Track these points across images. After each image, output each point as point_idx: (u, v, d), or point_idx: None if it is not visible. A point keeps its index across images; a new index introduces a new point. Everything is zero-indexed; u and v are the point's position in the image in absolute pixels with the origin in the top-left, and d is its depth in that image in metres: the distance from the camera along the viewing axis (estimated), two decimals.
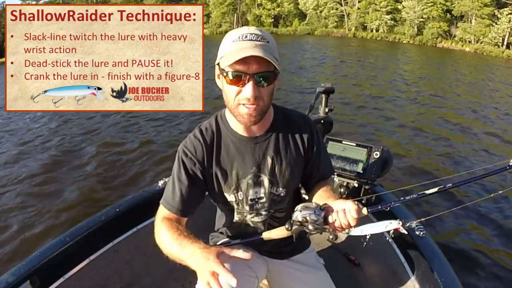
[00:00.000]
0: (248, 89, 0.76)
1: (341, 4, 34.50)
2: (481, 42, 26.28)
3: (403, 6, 30.49)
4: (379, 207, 0.83)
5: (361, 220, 0.80)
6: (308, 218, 0.77)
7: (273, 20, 36.08)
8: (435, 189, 0.82)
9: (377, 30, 31.94)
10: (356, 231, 0.81)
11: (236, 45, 0.76)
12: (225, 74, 0.78)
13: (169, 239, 0.80)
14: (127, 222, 1.44)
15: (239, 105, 0.80)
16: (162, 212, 0.90)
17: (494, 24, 26.35)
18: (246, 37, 0.76)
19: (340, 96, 8.08)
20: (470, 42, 27.21)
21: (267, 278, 1.09)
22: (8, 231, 2.99)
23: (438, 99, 8.39)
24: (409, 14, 29.48)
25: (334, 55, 17.72)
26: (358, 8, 33.10)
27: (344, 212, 0.76)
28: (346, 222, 0.76)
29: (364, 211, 0.78)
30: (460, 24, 28.47)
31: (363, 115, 6.63)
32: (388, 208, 0.83)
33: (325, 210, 0.79)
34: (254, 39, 0.76)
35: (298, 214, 0.78)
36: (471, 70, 15.09)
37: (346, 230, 0.79)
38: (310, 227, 0.76)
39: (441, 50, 25.29)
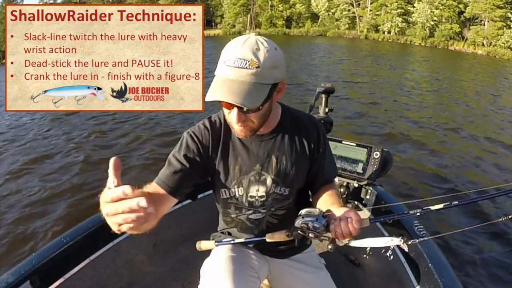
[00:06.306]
0: (233, 115, 0.78)
1: (353, 6, 34.60)
2: (494, 45, 25.96)
3: (413, 6, 30.43)
4: (382, 219, 0.82)
5: (368, 230, 0.79)
6: (309, 225, 0.77)
7: (285, 21, 36.25)
8: (441, 206, 0.78)
9: (388, 32, 31.96)
10: (356, 243, 0.81)
11: (224, 71, 0.75)
12: None
13: None
14: None
15: (231, 121, 0.82)
16: (151, 185, 0.86)
17: (507, 27, 25.95)
18: (234, 63, 0.74)
19: (346, 96, 8.05)
20: (482, 45, 26.84)
21: (268, 278, 1.09)
22: None
23: (449, 103, 8.19)
24: (421, 16, 29.39)
25: (345, 56, 17.70)
26: (370, 10, 33.22)
27: (346, 221, 0.76)
28: (348, 231, 0.76)
29: (366, 222, 0.78)
30: (473, 27, 28.18)
31: (368, 117, 6.57)
32: (391, 221, 0.82)
33: (328, 217, 0.79)
34: (241, 66, 0.73)
35: (300, 221, 0.78)
36: (485, 73, 14.69)
37: (347, 240, 0.80)
38: (311, 235, 0.77)
39: (453, 53, 25.03)
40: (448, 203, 0.78)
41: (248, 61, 0.73)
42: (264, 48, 0.76)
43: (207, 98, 0.76)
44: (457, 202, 0.78)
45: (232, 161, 0.91)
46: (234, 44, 0.77)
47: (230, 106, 0.78)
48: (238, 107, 0.76)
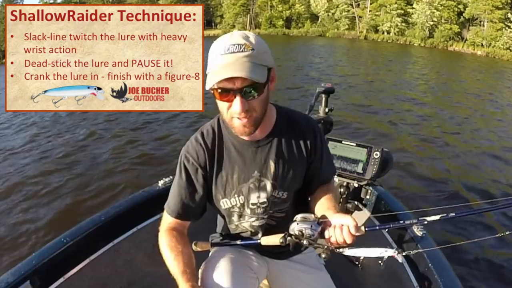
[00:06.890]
0: (236, 104, 0.76)
1: (352, 6, 34.70)
2: (493, 46, 25.82)
3: (413, 7, 30.50)
4: (377, 228, 0.82)
5: (370, 238, 0.79)
6: (304, 232, 0.77)
7: (285, 21, 36.42)
8: (437, 217, 0.78)
9: (388, 33, 31.92)
10: (350, 252, 0.81)
11: (219, 61, 0.74)
12: (212, 90, 0.77)
13: (167, 258, 0.88)
14: (127, 222, 1.44)
15: (232, 118, 0.80)
16: (166, 217, 0.93)
17: (506, 28, 25.80)
18: (228, 49, 0.74)
19: (346, 96, 8.03)
20: (482, 45, 26.70)
21: (268, 278, 1.09)
22: None
23: (450, 105, 8.08)
24: (420, 17, 29.40)
25: (344, 56, 17.69)
26: (370, 11, 33.29)
27: (341, 228, 0.76)
28: (342, 239, 0.75)
29: (362, 229, 0.78)
30: (472, 28, 28.10)
31: (366, 118, 6.54)
32: (387, 230, 0.82)
33: (323, 224, 0.78)
34: (237, 50, 0.74)
35: (295, 227, 0.78)
36: (485, 75, 14.49)
37: (341, 249, 0.80)
38: (305, 242, 0.76)
39: (452, 53, 24.91)
40: (445, 214, 0.78)
41: (242, 45, 0.74)
42: (252, 35, 0.78)
43: (209, 84, 0.75)
44: (453, 214, 0.78)
45: (229, 170, 0.90)
46: (221, 39, 0.78)
47: (230, 97, 0.76)
48: (241, 95, 0.74)
